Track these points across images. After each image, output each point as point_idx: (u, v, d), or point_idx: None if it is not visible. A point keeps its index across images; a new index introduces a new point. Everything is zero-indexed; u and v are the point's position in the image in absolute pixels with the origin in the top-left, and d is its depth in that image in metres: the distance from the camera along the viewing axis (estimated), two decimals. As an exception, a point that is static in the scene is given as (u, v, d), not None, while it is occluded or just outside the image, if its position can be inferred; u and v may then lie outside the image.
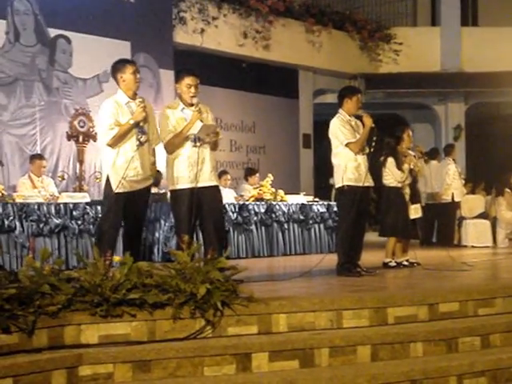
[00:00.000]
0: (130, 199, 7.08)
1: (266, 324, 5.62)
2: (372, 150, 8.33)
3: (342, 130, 8.17)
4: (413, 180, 9.59)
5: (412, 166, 9.43)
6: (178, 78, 7.40)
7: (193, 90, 7.23)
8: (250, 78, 15.85)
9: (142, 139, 7.09)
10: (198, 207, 7.11)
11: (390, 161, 9.32)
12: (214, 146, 7.32)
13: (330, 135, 8.26)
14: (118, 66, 7.24)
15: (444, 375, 5.49)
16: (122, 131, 6.98)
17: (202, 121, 7.19)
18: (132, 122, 7.00)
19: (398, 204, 9.27)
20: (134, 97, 7.17)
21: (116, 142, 7.01)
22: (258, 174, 13.38)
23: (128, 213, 7.14)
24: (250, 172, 13.63)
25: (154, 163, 7.36)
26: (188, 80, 7.24)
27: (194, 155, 7.13)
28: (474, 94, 18.74)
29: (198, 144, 7.15)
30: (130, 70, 7.16)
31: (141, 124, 7.09)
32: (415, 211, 9.52)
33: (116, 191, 7.00)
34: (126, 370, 5.01)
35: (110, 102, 7.16)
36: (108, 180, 7.09)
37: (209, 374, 5.17)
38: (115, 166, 7.04)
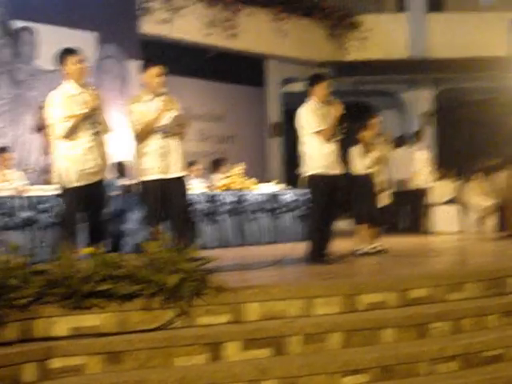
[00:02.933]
0: (89, 192, 6.97)
1: (237, 313, 5.62)
2: (343, 136, 8.33)
3: (311, 118, 8.16)
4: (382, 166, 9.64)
5: (378, 153, 9.47)
6: (144, 68, 7.33)
7: (159, 79, 7.17)
8: (218, 68, 15.77)
9: (97, 128, 7.00)
10: (167, 198, 7.08)
11: (354, 149, 9.38)
12: (181, 137, 7.29)
13: (297, 123, 8.25)
14: (61, 57, 7.10)
15: (415, 361, 5.53)
16: (77, 121, 6.85)
17: (171, 111, 7.14)
18: (87, 110, 6.88)
19: (365, 191, 9.31)
20: (84, 86, 7.06)
21: (70, 133, 6.87)
22: (226, 163, 13.37)
23: (89, 205, 7.05)
24: (218, 162, 13.60)
25: (105, 152, 7.21)
26: (154, 70, 7.19)
27: (163, 146, 7.10)
28: (443, 80, 18.80)
29: (167, 134, 7.12)
30: (71, 60, 7.02)
31: (94, 113, 6.96)
32: (384, 198, 9.57)
33: (75, 185, 6.91)
34: (97, 361, 4.99)
35: (57, 94, 7.02)
36: (64, 173, 6.95)
37: (180, 364, 5.17)
38: (72, 158, 6.91)
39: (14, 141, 11.99)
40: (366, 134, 9.50)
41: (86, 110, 6.89)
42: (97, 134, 7.01)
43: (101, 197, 7.24)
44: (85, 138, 6.94)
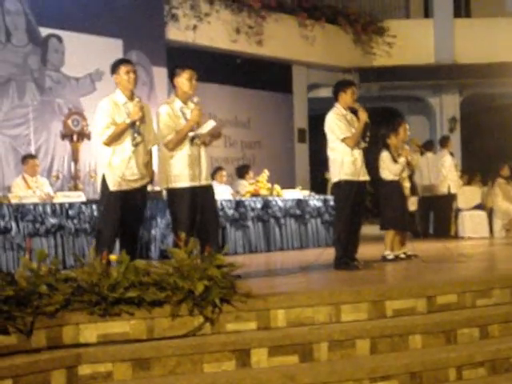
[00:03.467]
0: (127, 198, 7.02)
1: (264, 320, 5.62)
2: (367, 144, 8.34)
3: (338, 125, 8.17)
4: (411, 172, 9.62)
5: (409, 159, 9.43)
6: (174, 74, 7.36)
7: (193, 82, 7.22)
8: (244, 74, 15.80)
9: (137, 140, 7.03)
10: (195, 205, 7.10)
11: (385, 154, 9.34)
12: (208, 143, 7.33)
13: (326, 129, 8.25)
14: (113, 68, 7.21)
15: (443, 367, 5.50)
16: (118, 130, 6.94)
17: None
18: (128, 121, 6.97)
19: (396, 197, 9.27)
20: (131, 97, 7.13)
21: (112, 140, 6.96)
22: (251, 171, 13.40)
23: (125, 212, 7.09)
24: (244, 169, 13.62)
25: (149, 163, 7.29)
26: (186, 74, 7.23)
27: (193, 154, 7.14)
28: (468, 86, 18.72)
29: (197, 142, 7.15)
30: (122, 70, 7.10)
31: (137, 124, 7.03)
32: (411, 204, 9.53)
33: (112, 189, 6.97)
34: (126, 368, 5.01)
35: (106, 101, 7.12)
36: (104, 179, 7.05)
37: (208, 370, 5.17)
38: (111, 165, 6.99)
39: (40, 148, 12.08)
40: (395, 140, 9.46)
41: (128, 121, 6.96)
42: (137, 144, 7.04)
43: (139, 204, 7.24)
44: (125, 147, 7.00)
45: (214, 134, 7.29)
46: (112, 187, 6.97)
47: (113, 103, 7.07)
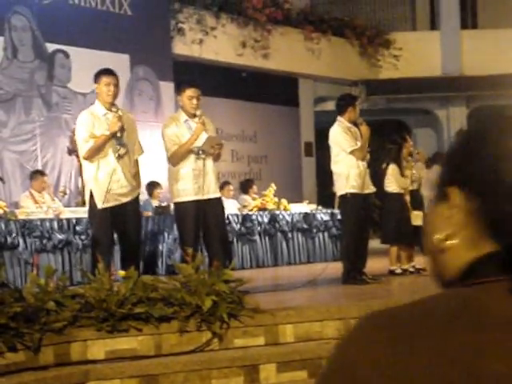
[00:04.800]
0: (118, 213, 6.89)
1: (273, 335, 5.59)
2: (369, 157, 8.36)
3: (344, 137, 8.16)
4: (418, 186, 9.59)
5: (414, 172, 9.41)
6: (179, 90, 7.36)
7: (194, 101, 7.18)
8: (250, 88, 15.80)
9: (120, 152, 6.88)
10: (203, 219, 7.08)
11: (393, 168, 9.28)
12: (216, 157, 7.30)
13: (331, 142, 8.24)
14: (95, 77, 7.08)
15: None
16: (98, 143, 6.79)
17: (206, 132, 7.16)
18: (107, 133, 6.81)
19: (400, 210, 9.24)
20: (111, 108, 6.97)
21: (92, 154, 6.82)
22: (254, 184, 13.39)
23: (119, 227, 7.01)
24: (247, 184, 13.61)
25: (136, 174, 7.16)
26: (189, 92, 7.21)
27: (198, 167, 7.11)
28: (475, 98, 18.69)
29: (201, 156, 7.13)
30: (104, 81, 6.94)
31: (118, 135, 6.88)
32: (417, 218, 9.48)
33: (100, 207, 6.84)
34: (134, 385, 4.98)
35: (85, 114, 7.01)
36: (91, 195, 6.91)
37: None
38: (97, 180, 6.85)
39: (47, 163, 12.08)
40: (401, 153, 9.43)
41: (107, 133, 6.82)
42: (121, 156, 6.91)
43: (132, 218, 7.12)
44: (109, 160, 6.86)
45: (214, 145, 7.23)
46: (100, 204, 6.82)
47: (91, 116, 6.93)
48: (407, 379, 1.00)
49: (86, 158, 6.88)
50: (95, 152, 6.83)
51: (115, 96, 7.03)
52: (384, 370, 1.02)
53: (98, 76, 7.04)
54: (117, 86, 7.08)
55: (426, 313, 1.06)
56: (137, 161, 7.20)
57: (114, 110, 6.94)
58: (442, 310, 1.05)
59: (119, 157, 6.89)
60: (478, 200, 1.04)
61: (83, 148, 6.87)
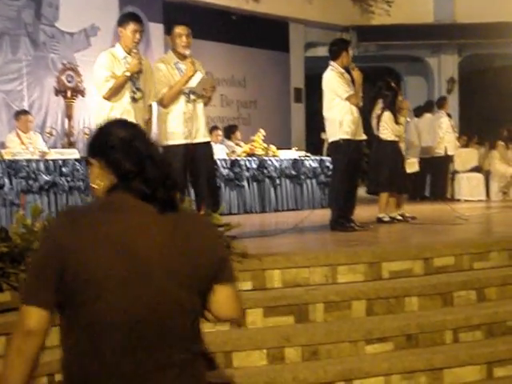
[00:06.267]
0: None
1: (260, 280, 5.59)
2: (361, 104, 8.29)
3: (339, 83, 8.07)
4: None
5: (408, 120, 9.35)
6: (169, 30, 7.23)
7: (184, 39, 7.06)
8: (240, 31, 15.61)
9: (136, 96, 6.86)
10: (192, 163, 7.02)
11: (388, 115, 9.20)
12: (207, 101, 7.21)
13: (325, 88, 8.14)
14: (122, 19, 7.00)
15: (439, 329, 5.48)
16: (118, 83, 6.76)
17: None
18: (128, 73, 6.79)
19: (394, 158, 9.19)
20: (130, 52, 6.90)
21: (112, 94, 6.79)
22: (238, 130, 13.29)
23: None
24: (231, 129, 13.53)
25: (149, 120, 7.13)
26: (178, 29, 7.08)
27: (188, 110, 7.02)
28: (467, 46, 18.55)
29: (192, 99, 7.03)
30: (130, 27, 6.84)
31: (135, 77, 6.85)
32: (412, 165, 9.46)
33: None
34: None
35: (105, 54, 6.94)
36: None
37: (203, 330, 5.11)
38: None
39: (34, 103, 11.96)
40: (398, 101, 9.35)
41: (128, 73, 6.78)
42: (136, 100, 6.87)
43: None
44: (123, 102, 6.82)
45: (207, 87, 7.14)
46: None
47: (112, 57, 6.88)
48: (80, 240, 2.34)
49: (106, 98, 6.81)
50: (115, 92, 6.78)
51: (139, 43, 6.96)
52: (70, 238, 2.35)
53: (125, 20, 6.95)
54: (142, 32, 7.01)
55: (89, 206, 2.60)
56: (150, 107, 7.15)
57: (134, 51, 6.87)
58: (97, 203, 2.53)
59: (134, 100, 6.86)
60: (103, 161, 2.49)
61: (104, 87, 6.80)
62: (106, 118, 6.78)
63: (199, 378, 2.56)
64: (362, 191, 9.82)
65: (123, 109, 6.81)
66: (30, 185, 9.16)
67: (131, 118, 6.79)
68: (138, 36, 6.90)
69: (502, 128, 14.31)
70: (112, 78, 6.77)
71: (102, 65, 6.87)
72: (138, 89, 6.90)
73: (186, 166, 6.98)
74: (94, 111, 7.29)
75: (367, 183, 9.71)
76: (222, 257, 2.69)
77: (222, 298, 2.65)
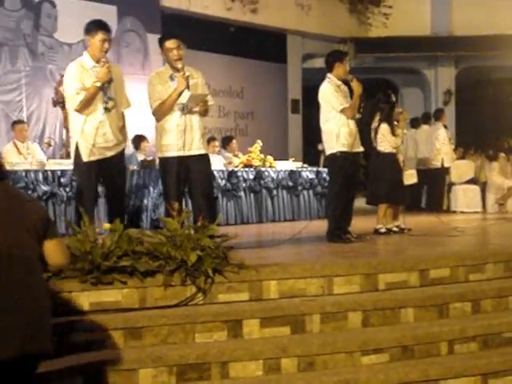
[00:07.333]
0: (103, 167, 6.85)
1: (257, 291, 5.61)
2: (360, 115, 8.30)
3: (335, 95, 8.09)
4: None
5: (405, 132, 9.38)
6: (160, 45, 7.23)
7: (175, 52, 7.06)
8: (238, 43, 15.68)
9: (108, 105, 6.81)
10: (187, 175, 7.04)
11: (385, 127, 9.25)
12: (204, 113, 7.23)
13: (321, 100, 8.17)
14: (90, 28, 6.90)
15: (435, 341, 5.50)
16: (88, 95, 6.70)
17: (189, 87, 7.06)
18: (98, 84, 6.71)
19: (392, 170, 9.23)
20: (99, 61, 6.83)
21: (83, 106, 6.73)
22: (234, 141, 13.31)
23: (105, 180, 6.99)
24: (226, 140, 13.55)
25: (123, 127, 7.09)
26: (168, 44, 7.07)
27: (182, 123, 7.03)
28: (464, 58, 18.63)
29: (186, 112, 7.06)
30: (99, 37, 6.81)
31: (106, 86, 6.79)
32: (411, 177, 9.48)
33: (86, 160, 6.78)
34: (118, 336, 4.99)
35: (74, 65, 6.87)
36: (77, 148, 6.83)
37: (200, 340, 5.16)
38: (84, 132, 6.77)
39: (32, 114, 11.99)
40: (395, 113, 9.39)
41: (98, 84, 6.72)
42: (109, 108, 6.84)
43: (117, 172, 7.07)
44: (96, 113, 6.78)
45: (198, 103, 7.15)
46: (86, 158, 6.77)
47: (80, 67, 6.82)
48: None
49: (77, 110, 6.77)
50: (86, 104, 6.74)
51: (107, 52, 6.92)
52: None
53: (93, 29, 6.88)
54: (110, 41, 6.97)
55: None
56: (123, 114, 7.13)
57: (103, 60, 6.82)
58: None
59: (107, 110, 6.82)
60: None
61: (75, 100, 6.76)
62: (80, 130, 6.78)
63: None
64: (360, 202, 9.86)
65: (97, 121, 6.78)
66: (28, 195, 9.18)
67: (106, 128, 6.79)
68: (106, 45, 6.84)
69: (502, 140, 14.33)
70: (82, 90, 6.70)
71: (72, 77, 6.80)
72: (110, 98, 6.86)
73: (180, 177, 7.00)
74: (70, 124, 7.16)
75: (367, 194, 9.73)
76: (46, 217, 3.65)
77: (50, 249, 3.61)
